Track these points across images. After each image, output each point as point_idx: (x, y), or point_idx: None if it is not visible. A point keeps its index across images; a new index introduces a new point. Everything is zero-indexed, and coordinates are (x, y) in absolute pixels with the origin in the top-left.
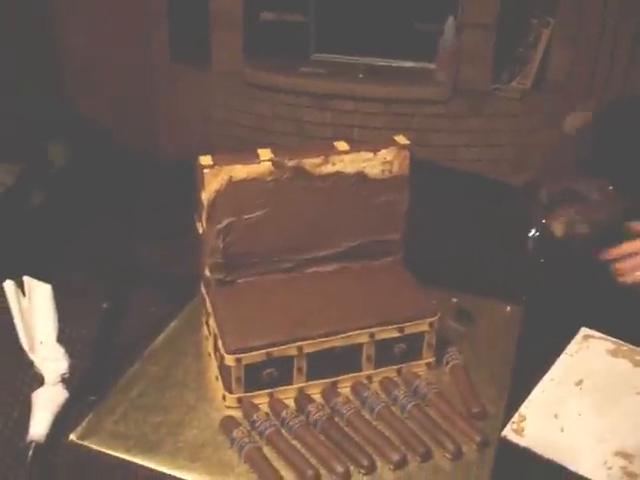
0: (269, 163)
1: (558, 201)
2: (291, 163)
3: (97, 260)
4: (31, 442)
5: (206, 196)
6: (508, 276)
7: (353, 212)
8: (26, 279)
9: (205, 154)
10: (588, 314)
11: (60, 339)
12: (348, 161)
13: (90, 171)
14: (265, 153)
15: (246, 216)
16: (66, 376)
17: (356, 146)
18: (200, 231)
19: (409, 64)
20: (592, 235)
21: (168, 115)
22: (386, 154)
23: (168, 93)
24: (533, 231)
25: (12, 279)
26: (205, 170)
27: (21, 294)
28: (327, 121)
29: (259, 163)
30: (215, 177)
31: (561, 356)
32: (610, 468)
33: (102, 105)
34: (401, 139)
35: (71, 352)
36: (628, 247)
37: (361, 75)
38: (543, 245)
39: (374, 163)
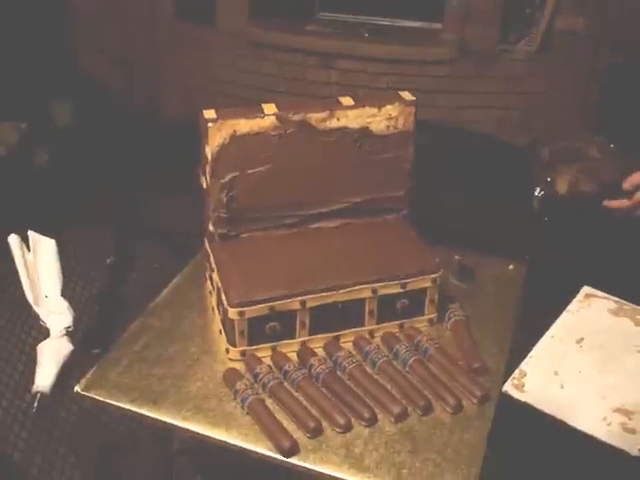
0: (273, 117)
1: (560, 159)
2: (296, 117)
3: (102, 217)
4: (37, 393)
5: (210, 150)
6: (511, 234)
7: (357, 168)
8: (31, 234)
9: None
10: (591, 272)
11: (64, 293)
12: (353, 116)
13: (93, 129)
14: (269, 107)
15: (250, 171)
16: (70, 329)
17: (361, 101)
18: (204, 185)
19: (415, 24)
20: (596, 193)
21: (172, 74)
22: (391, 110)
23: (172, 52)
24: (538, 190)
25: (17, 234)
26: (209, 124)
27: (26, 248)
28: (332, 80)
29: (263, 117)
30: (219, 131)
31: (563, 314)
32: (610, 424)
33: (106, 63)
34: (406, 95)
35: (76, 306)
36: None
37: (366, 34)
38: (547, 203)
39: (379, 119)
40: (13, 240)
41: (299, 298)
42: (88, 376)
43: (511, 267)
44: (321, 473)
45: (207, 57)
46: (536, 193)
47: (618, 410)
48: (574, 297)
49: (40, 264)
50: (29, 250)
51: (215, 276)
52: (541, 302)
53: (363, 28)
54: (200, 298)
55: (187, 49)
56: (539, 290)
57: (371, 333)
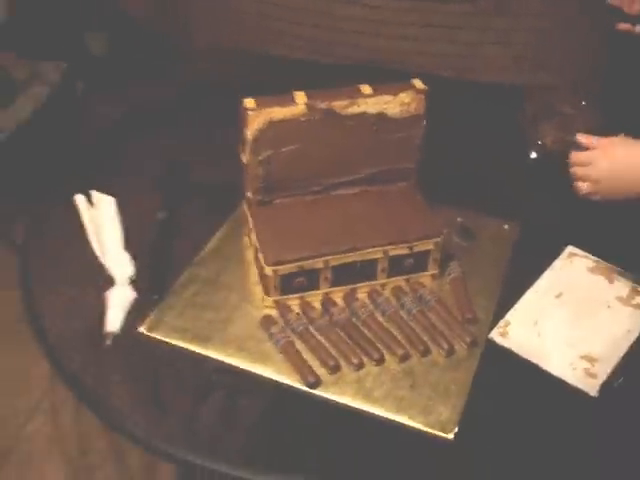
0: (303, 105)
1: (541, 116)
2: (322, 105)
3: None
4: (108, 333)
5: (249, 133)
6: (507, 194)
7: (374, 145)
8: (93, 193)
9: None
10: (577, 233)
11: (125, 246)
12: (371, 103)
13: (128, 59)
14: (300, 96)
15: (283, 149)
16: (133, 278)
17: (379, 90)
18: (244, 161)
19: None
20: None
21: (202, 5)
22: (404, 97)
23: None
24: (533, 154)
25: (79, 188)
26: (249, 112)
27: (90, 205)
28: (358, 15)
29: (295, 106)
30: (257, 117)
31: (546, 271)
32: (575, 369)
33: None
34: (418, 83)
35: (135, 256)
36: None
37: None
38: (541, 166)
39: (394, 104)
40: (79, 198)
41: (322, 258)
42: (150, 319)
43: (506, 227)
44: (338, 402)
45: None
46: (531, 156)
47: (584, 357)
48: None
49: (103, 220)
50: (92, 206)
51: (252, 236)
52: (530, 259)
53: None
54: (238, 250)
55: None
56: (529, 248)
57: (382, 286)
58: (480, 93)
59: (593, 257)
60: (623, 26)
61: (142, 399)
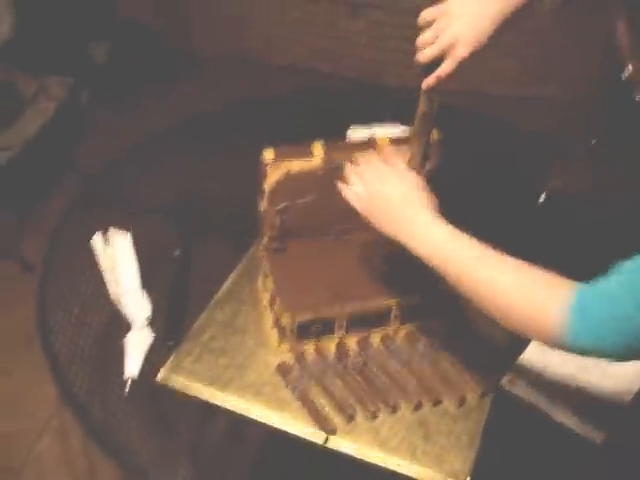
0: (321, 159)
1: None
2: (338, 158)
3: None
4: (128, 379)
5: (267, 185)
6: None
7: None
8: (110, 230)
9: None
10: (584, 277)
11: (142, 285)
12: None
13: (131, 69)
14: (317, 149)
15: (299, 200)
16: (150, 319)
17: (395, 141)
18: (261, 210)
19: None
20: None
21: (205, 14)
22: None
23: None
24: (543, 196)
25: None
26: (268, 165)
27: (105, 244)
28: (360, 29)
29: (312, 158)
30: (276, 170)
31: None
32: (582, 416)
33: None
34: (435, 134)
35: (151, 294)
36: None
37: None
38: (551, 209)
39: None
40: (95, 239)
41: (339, 307)
42: (167, 366)
43: None
44: (353, 451)
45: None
46: (541, 199)
47: (590, 405)
48: None
49: (119, 258)
50: (107, 245)
51: (269, 282)
52: None
53: None
54: (253, 292)
55: None
56: None
57: (395, 331)
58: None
59: None
60: None
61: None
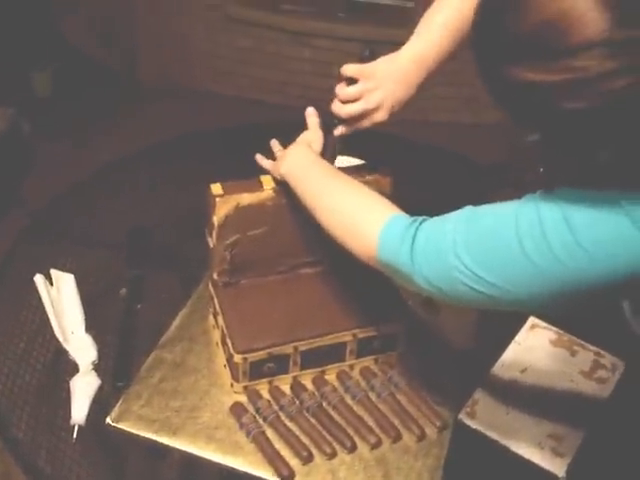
0: (271, 190)
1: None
2: (289, 190)
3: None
4: (74, 425)
5: (217, 219)
6: None
7: None
8: (53, 271)
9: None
10: None
11: (87, 326)
12: None
13: (74, 99)
14: (267, 181)
15: (250, 233)
16: (96, 363)
17: (347, 170)
18: (210, 245)
19: (390, 2)
20: None
21: (150, 43)
22: (371, 180)
23: (150, 21)
24: None
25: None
26: (217, 199)
27: (49, 285)
28: (306, 57)
29: (262, 191)
30: (225, 204)
31: (511, 344)
32: (543, 448)
33: (86, 32)
34: (384, 170)
35: (98, 337)
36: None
37: (341, 14)
38: None
39: None
40: (38, 279)
41: (292, 344)
42: (116, 409)
43: None
44: None
45: (184, 27)
46: None
47: (550, 436)
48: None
49: (63, 300)
50: (52, 285)
51: (220, 320)
52: (494, 331)
53: (338, 5)
54: (205, 331)
55: (165, 20)
56: (492, 319)
57: (351, 367)
58: (442, 162)
59: (554, 328)
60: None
61: None
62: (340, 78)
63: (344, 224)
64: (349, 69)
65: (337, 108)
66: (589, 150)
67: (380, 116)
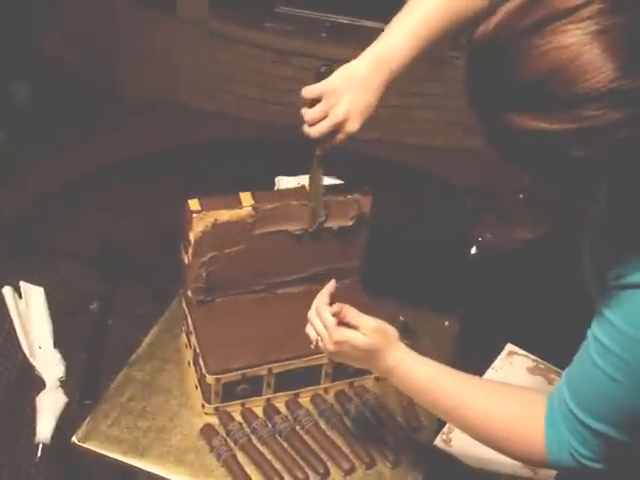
0: (250, 208)
1: (481, 206)
2: (268, 207)
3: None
4: (38, 444)
5: (193, 235)
6: (449, 287)
7: (317, 247)
8: (22, 284)
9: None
10: (517, 328)
11: (56, 341)
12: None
13: (52, 113)
14: (246, 198)
15: (226, 250)
16: (63, 379)
17: (328, 188)
18: (186, 261)
19: (372, 24)
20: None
21: (132, 58)
22: (352, 201)
23: (133, 37)
24: (474, 249)
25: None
26: (194, 215)
27: (18, 298)
28: (288, 75)
29: (241, 208)
30: (202, 220)
31: (488, 371)
32: (519, 478)
33: (67, 47)
34: (366, 190)
35: (66, 353)
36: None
37: (324, 34)
38: (482, 261)
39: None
40: (6, 291)
41: (267, 366)
42: (82, 428)
43: (447, 323)
44: None
45: (167, 44)
46: (472, 252)
47: (525, 466)
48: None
49: (32, 314)
50: (21, 298)
51: (193, 339)
52: (471, 357)
53: (321, 26)
54: (176, 349)
55: (148, 35)
56: (469, 345)
57: (326, 390)
58: (421, 186)
59: (532, 356)
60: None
61: None
62: (304, 101)
63: (500, 437)
64: (308, 91)
65: (307, 130)
66: (585, 190)
67: (352, 126)
